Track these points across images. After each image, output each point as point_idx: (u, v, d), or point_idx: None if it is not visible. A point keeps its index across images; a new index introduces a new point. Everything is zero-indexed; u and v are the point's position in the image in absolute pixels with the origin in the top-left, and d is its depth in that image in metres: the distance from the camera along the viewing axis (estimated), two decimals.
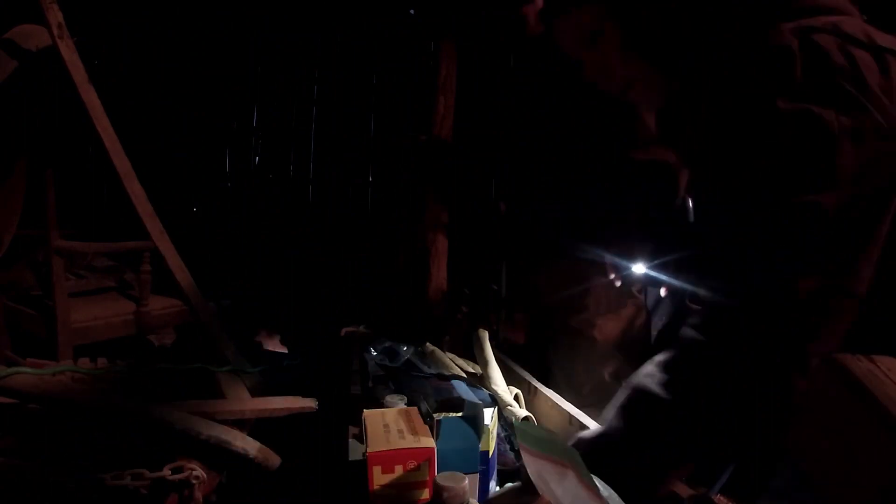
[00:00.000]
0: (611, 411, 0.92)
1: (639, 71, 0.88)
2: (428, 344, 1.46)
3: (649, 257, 1.45)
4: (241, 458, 1.03)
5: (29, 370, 1.08)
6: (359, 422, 0.88)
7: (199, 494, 0.98)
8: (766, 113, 0.74)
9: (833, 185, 0.69)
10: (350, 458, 0.92)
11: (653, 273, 1.38)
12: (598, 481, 0.74)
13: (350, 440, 0.97)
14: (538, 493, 0.69)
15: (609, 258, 1.53)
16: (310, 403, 1.22)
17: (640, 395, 0.89)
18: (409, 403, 1.04)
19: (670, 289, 1.57)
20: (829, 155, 0.69)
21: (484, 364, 1.32)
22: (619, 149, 1.50)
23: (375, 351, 1.37)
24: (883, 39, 0.72)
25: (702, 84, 0.86)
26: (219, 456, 1.03)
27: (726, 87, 0.82)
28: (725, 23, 0.81)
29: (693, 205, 1.43)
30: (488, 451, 0.85)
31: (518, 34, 1.70)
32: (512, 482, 0.90)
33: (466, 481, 0.67)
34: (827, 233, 0.70)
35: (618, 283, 1.55)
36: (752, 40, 0.75)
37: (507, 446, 1.03)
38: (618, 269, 1.53)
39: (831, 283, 0.74)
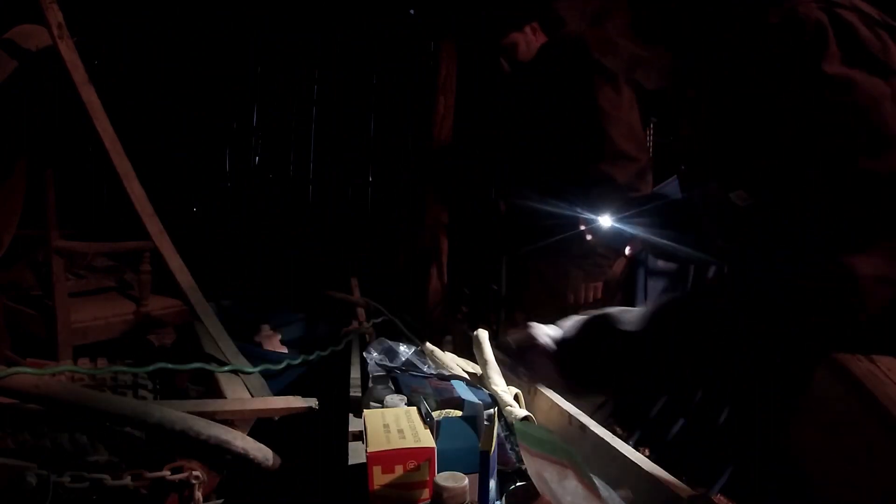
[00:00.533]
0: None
1: (645, 51, 0.89)
2: (428, 344, 1.46)
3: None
4: (241, 458, 1.03)
5: (29, 370, 1.08)
6: (359, 422, 0.88)
7: (199, 494, 0.98)
8: (773, 107, 0.75)
9: (885, 149, 0.68)
10: (350, 463, 0.92)
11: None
12: (597, 481, 0.74)
13: (350, 443, 0.97)
14: (538, 493, 0.69)
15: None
16: (310, 403, 1.22)
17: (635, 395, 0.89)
18: (409, 403, 1.04)
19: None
20: (878, 119, 0.68)
21: (484, 364, 1.32)
22: (585, 161, 1.57)
23: (375, 351, 1.36)
24: (891, 19, 0.75)
25: (702, 84, 0.86)
26: (219, 456, 1.03)
27: (726, 86, 0.82)
28: (726, 22, 0.82)
29: (692, 205, 1.43)
30: (488, 451, 0.85)
31: (510, 60, 1.74)
32: (513, 483, 0.91)
33: (466, 481, 0.67)
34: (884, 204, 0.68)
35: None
36: (776, 18, 0.76)
37: (508, 446, 1.03)
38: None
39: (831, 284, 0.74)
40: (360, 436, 0.93)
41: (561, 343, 0.97)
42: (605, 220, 1.19)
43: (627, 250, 1.21)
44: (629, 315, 0.89)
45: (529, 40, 1.73)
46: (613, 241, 1.20)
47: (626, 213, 1.15)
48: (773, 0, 0.76)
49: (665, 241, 1.02)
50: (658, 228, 1.07)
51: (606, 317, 0.92)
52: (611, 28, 0.89)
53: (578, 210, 1.52)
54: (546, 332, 1.00)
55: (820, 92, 0.71)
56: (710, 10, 0.83)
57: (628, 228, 1.14)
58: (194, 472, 0.97)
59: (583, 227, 1.24)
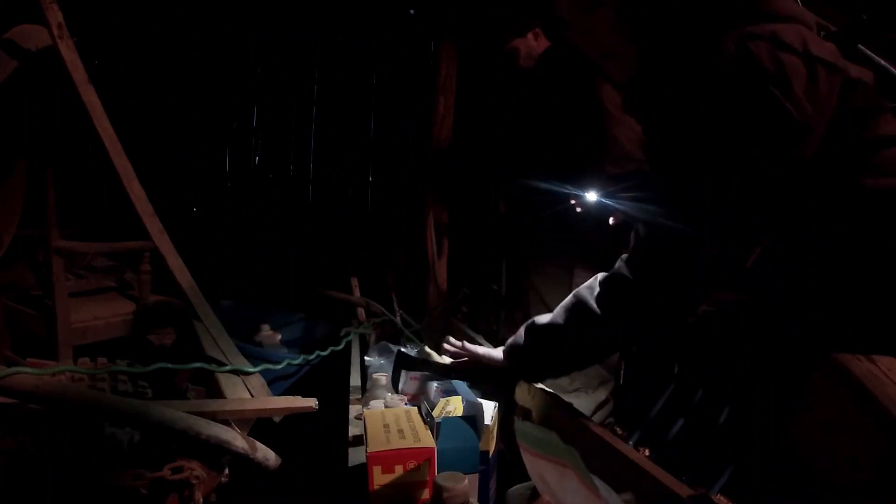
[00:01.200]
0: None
1: (619, 46, 0.92)
2: (426, 348, 1.47)
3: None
4: (241, 458, 1.03)
5: (29, 370, 1.08)
6: (358, 424, 0.88)
7: (199, 494, 0.98)
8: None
9: (741, 171, 0.78)
10: (350, 465, 0.92)
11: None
12: (597, 481, 0.74)
13: (350, 448, 0.97)
14: (538, 493, 0.69)
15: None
16: (310, 403, 1.22)
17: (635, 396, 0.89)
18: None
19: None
20: (745, 146, 0.78)
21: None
22: (592, 162, 1.58)
23: (377, 355, 1.37)
24: (819, 49, 0.77)
25: (702, 84, 0.86)
26: (219, 456, 1.03)
27: (726, 86, 0.82)
28: (725, 23, 0.82)
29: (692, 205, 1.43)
30: (488, 451, 0.85)
31: (510, 66, 1.74)
32: (513, 483, 0.91)
33: (466, 481, 0.67)
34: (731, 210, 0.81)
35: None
36: (694, 51, 0.83)
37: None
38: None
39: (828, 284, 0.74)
40: (359, 439, 0.93)
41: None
42: (591, 195, 1.26)
43: (611, 220, 1.27)
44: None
45: (531, 46, 1.73)
46: (598, 214, 1.26)
47: (613, 189, 1.21)
48: (703, 32, 0.81)
49: (650, 215, 1.05)
50: (643, 203, 1.10)
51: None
52: (596, 17, 0.90)
53: (577, 205, 1.53)
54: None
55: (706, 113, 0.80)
56: (710, 10, 0.84)
57: (612, 203, 1.18)
58: (194, 472, 0.97)
59: (573, 202, 1.29)
